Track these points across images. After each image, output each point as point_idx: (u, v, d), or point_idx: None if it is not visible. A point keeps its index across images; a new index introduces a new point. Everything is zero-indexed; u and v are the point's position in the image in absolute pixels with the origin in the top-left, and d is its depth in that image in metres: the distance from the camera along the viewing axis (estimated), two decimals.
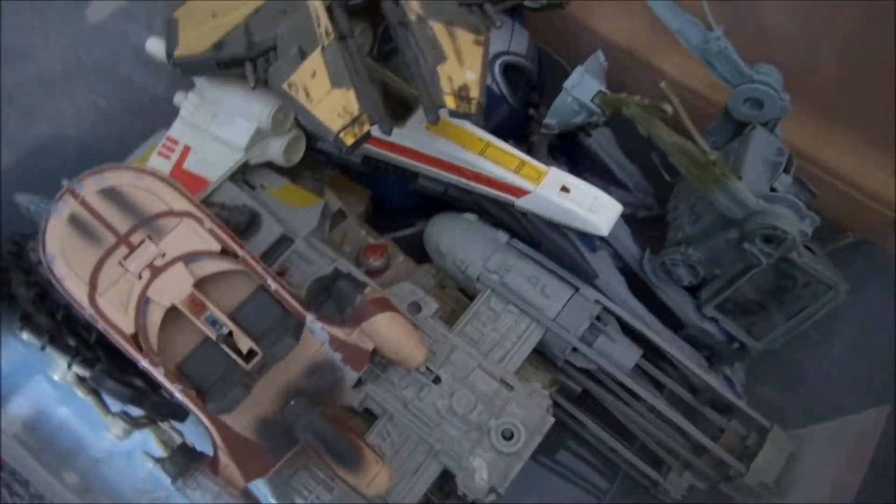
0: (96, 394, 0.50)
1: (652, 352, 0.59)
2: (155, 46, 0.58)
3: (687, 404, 0.60)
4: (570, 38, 0.74)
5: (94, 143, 0.73)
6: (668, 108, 0.51)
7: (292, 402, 0.45)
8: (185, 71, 0.55)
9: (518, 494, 0.67)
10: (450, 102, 0.44)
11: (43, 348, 0.49)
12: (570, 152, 0.69)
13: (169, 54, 0.55)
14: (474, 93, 0.45)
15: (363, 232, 0.66)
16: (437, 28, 0.49)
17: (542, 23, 0.73)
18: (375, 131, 0.45)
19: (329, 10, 0.52)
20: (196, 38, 0.54)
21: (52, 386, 0.52)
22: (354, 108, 0.42)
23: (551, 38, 0.73)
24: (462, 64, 0.46)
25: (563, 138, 0.68)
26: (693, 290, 0.63)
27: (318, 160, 0.65)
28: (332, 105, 0.44)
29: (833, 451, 0.49)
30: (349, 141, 0.41)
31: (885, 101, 0.61)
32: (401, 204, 0.70)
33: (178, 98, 0.61)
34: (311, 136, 0.61)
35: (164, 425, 0.56)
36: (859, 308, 0.62)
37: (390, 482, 0.46)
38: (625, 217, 0.68)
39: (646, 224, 0.69)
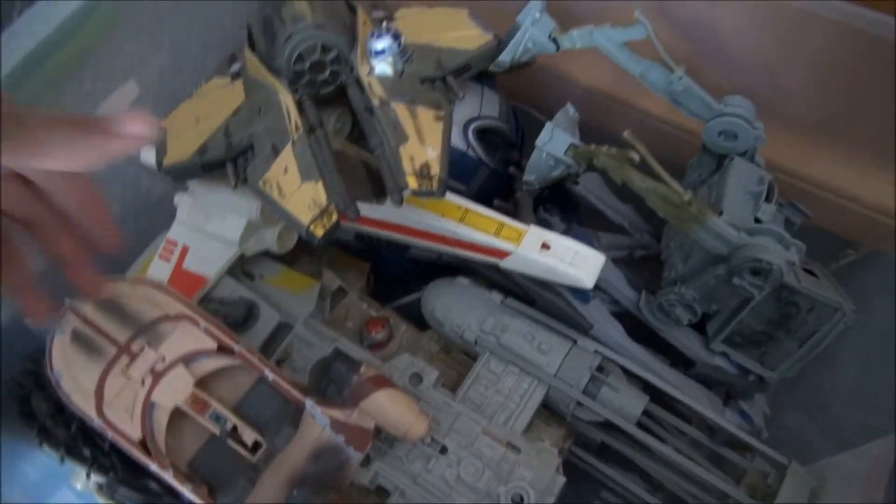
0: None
1: (665, 396, 0.59)
2: (148, 157, 0.62)
3: (708, 446, 0.59)
4: (548, 90, 0.76)
5: None
6: (635, 157, 0.51)
7: (294, 493, 0.46)
8: (175, 177, 0.58)
9: None
10: (412, 182, 0.46)
11: (62, 460, 0.51)
12: (563, 201, 0.70)
13: (159, 164, 0.58)
14: (435, 169, 0.47)
15: (365, 305, 0.67)
16: (399, 109, 0.51)
17: (518, 79, 0.75)
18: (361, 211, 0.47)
19: (299, 103, 0.54)
20: (182, 145, 0.57)
21: (76, 495, 0.54)
22: (322, 199, 0.43)
23: (529, 92, 0.75)
24: (423, 142, 0.48)
25: (552, 189, 0.70)
26: (700, 327, 0.63)
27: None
28: (303, 198, 0.46)
29: (852, 483, 0.47)
30: (319, 232, 0.42)
31: (863, 113, 0.61)
32: (400, 273, 0.71)
33: (177, 199, 0.64)
34: None
35: None
36: (872, 323, 0.60)
37: None
38: (622, 258, 0.69)
39: (644, 263, 0.70)
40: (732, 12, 0.60)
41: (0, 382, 0.58)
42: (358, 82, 0.56)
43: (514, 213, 0.60)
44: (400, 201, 0.46)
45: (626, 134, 0.52)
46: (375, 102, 0.52)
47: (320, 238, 0.43)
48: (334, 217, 0.43)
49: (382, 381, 0.51)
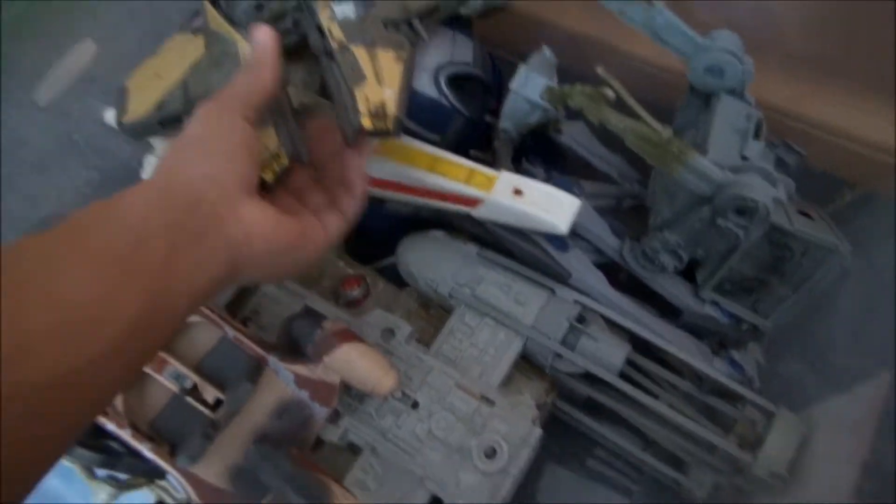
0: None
1: (654, 348, 0.56)
2: (111, 117, 0.60)
3: (699, 398, 0.56)
4: (529, 36, 0.72)
5: None
6: (610, 94, 0.48)
7: (252, 447, 0.44)
8: (135, 136, 0.56)
9: (546, 497, 0.65)
10: (366, 122, 0.44)
11: None
12: (547, 152, 0.67)
13: (119, 122, 0.56)
14: (391, 109, 0.44)
15: (342, 264, 0.65)
16: (359, 52, 0.48)
17: (498, 26, 0.71)
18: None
19: None
20: (141, 102, 0.55)
21: None
22: (273, 143, 0.41)
23: (509, 39, 0.72)
24: (381, 83, 0.46)
25: (536, 139, 0.67)
26: (690, 276, 0.60)
27: None
28: None
29: (843, 427, 0.45)
30: (269, 177, 0.40)
31: (864, 47, 0.57)
32: (380, 231, 0.69)
33: (145, 162, 0.62)
34: None
35: (164, 483, 0.56)
36: (870, 265, 0.57)
37: None
38: (609, 208, 0.66)
39: (635, 213, 0.67)
40: None
41: None
42: (318, 28, 0.54)
43: (492, 164, 0.57)
44: (354, 142, 0.44)
45: (599, 70, 0.49)
46: (334, 46, 0.50)
47: (271, 182, 0.40)
48: (283, 160, 0.41)
49: (347, 336, 0.49)
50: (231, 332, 0.48)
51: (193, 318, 0.48)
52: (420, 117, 0.60)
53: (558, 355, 0.53)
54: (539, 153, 0.67)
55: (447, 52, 0.59)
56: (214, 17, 0.57)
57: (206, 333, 0.50)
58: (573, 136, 0.66)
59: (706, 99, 0.58)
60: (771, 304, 0.58)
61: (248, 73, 0.39)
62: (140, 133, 0.56)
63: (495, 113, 0.64)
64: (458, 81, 0.61)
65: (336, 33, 0.51)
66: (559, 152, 0.67)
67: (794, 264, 0.55)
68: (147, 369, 0.47)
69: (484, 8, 0.59)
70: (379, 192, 0.56)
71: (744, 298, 0.58)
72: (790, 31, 0.60)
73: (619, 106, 0.52)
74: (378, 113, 0.44)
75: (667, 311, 0.61)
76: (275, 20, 0.54)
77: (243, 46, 0.53)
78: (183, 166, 0.35)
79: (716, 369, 0.54)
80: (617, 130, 0.51)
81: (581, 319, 0.54)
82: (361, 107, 0.44)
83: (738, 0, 0.59)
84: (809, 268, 0.54)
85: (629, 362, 0.55)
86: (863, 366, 0.55)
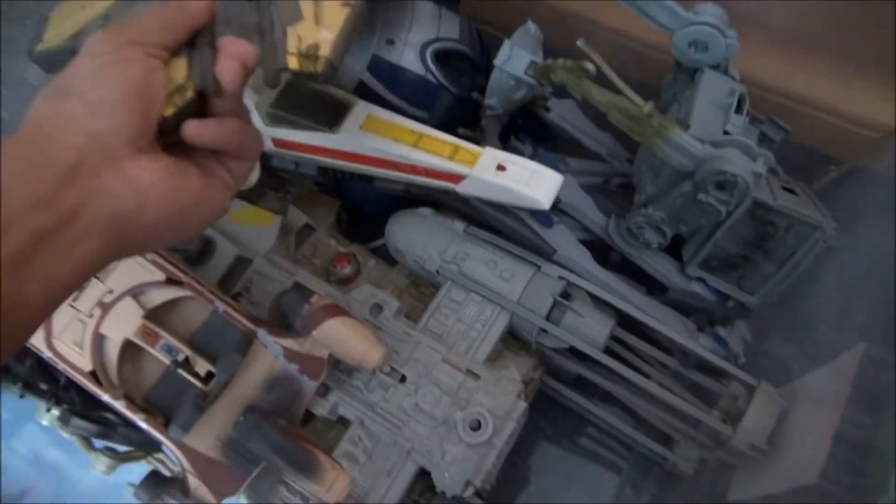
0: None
1: (640, 325, 0.57)
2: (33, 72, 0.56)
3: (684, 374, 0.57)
4: (518, 13, 0.72)
5: None
6: (591, 67, 0.49)
7: (241, 418, 0.46)
8: (46, 68, 0.51)
9: (538, 475, 0.67)
10: (292, 62, 0.39)
11: (21, 396, 0.52)
12: (537, 129, 0.68)
13: (30, 51, 0.51)
14: (325, 51, 0.40)
15: (333, 242, 0.66)
16: None
17: (486, 2, 0.72)
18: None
19: None
20: (58, 32, 0.50)
21: (42, 430, 0.54)
22: (181, 75, 0.35)
23: (496, 17, 0.72)
24: (320, 24, 0.41)
25: (526, 118, 0.67)
26: (676, 253, 0.60)
27: (282, 177, 0.66)
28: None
29: (821, 400, 0.45)
30: (169, 111, 0.34)
31: (850, 22, 0.57)
32: (371, 209, 0.70)
33: None
34: (266, 157, 0.62)
35: (160, 455, 0.58)
36: (855, 241, 0.57)
37: (349, 486, 0.45)
38: (598, 186, 0.66)
39: (624, 191, 0.67)
40: None
41: None
42: None
43: (479, 142, 0.58)
44: (274, 83, 0.40)
45: (579, 43, 0.50)
46: None
47: (169, 118, 0.33)
48: (188, 94, 0.34)
49: (336, 310, 0.50)
50: (222, 307, 0.49)
51: (185, 293, 0.49)
52: (407, 94, 0.60)
53: (543, 330, 0.54)
54: (528, 131, 0.67)
55: (434, 28, 0.59)
56: None
57: (197, 308, 0.51)
58: (562, 114, 0.66)
59: (691, 74, 0.58)
60: (756, 281, 0.58)
61: (170, 4, 0.33)
62: (53, 65, 0.51)
63: (483, 90, 0.64)
64: (445, 58, 0.61)
65: None
66: (548, 130, 0.68)
67: (779, 241, 0.55)
68: (140, 342, 0.48)
69: None
70: (366, 168, 0.56)
71: (730, 275, 0.59)
72: (776, 5, 0.59)
73: (602, 81, 0.52)
74: (309, 53, 0.40)
75: (654, 288, 0.61)
76: None
77: None
78: (58, 119, 0.28)
79: (701, 345, 0.55)
80: (599, 105, 0.51)
81: (566, 295, 0.55)
82: (291, 45, 0.40)
83: None
84: (793, 244, 0.55)
85: (615, 339, 0.55)
86: (846, 341, 0.56)
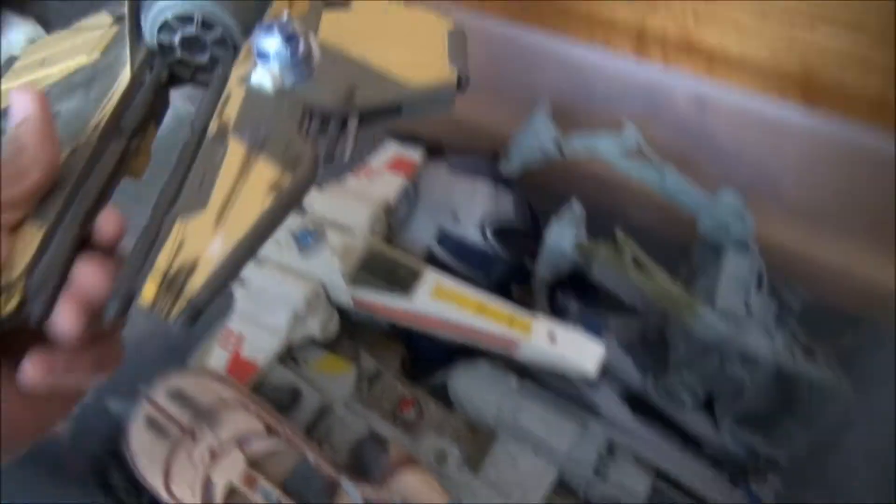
0: None
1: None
2: None
3: None
4: (565, 181, 0.83)
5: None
6: (629, 256, 0.58)
7: None
8: None
9: None
10: (147, 291, 0.27)
11: None
12: (581, 284, 0.76)
13: None
14: (195, 283, 0.27)
15: (399, 385, 0.74)
16: (234, 149, 0.32)
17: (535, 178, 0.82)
18: None
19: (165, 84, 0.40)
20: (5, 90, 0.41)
21: None
22: (15, 271, 0.27)
23: (547, 182, 0.82)
24: (219, 223, 0.29)
25: (571, 275, 0.76)
26: (710, 406, 0.67)
27: (357, 323, 0.76)
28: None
29: None
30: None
31: (856, 201, 0.66)
32: (434, 353, 0.78)
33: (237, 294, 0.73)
34: (345, 310, 0.72)
35: None
36: (879, 400, 0.63)
37: None
38: (634, 339, 0.74)
39: (658, 338, 0.74)
40: (718, 116, 0.66)
41: (82, 458, 0.67)
42: (219, 85, 0.37)
43: (529, 302, 0.66)
44: (108, 320, 0.28)
45: (617, 233, 0.59)
46: (212, 130, 0.33)
47: (3, 318, 0.26)
48: (13, 302, 0.27)
49: (409, 462, 0.57)
50: (311, 455, 0.57)
51: (277, 442, 0.57)
52: (469, 261, 0.70)
53: (590, 483, 0.60)
54: (573, 287, 0.76)
55: (492, 205, 0.70)
56: (129, 21, 0.41)
57: (288, 455, 0.59)
58: (603, 273, 0.75)
59: (715, 248, 0.67)
60: (785, 438, 0.64)
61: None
62: None
63: (533, 254, 0.74)
64: (502, 231, 0.71)
65: (228, 110, 0.35)
66: (591, 284, 0.76)
67: (802, 401, 0.61)
68: (241, 487, 0.56)
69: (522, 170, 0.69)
70: (433, 329, 0.65)
71: (760, 431, 0.65)
72: (787, 186, 0.69)
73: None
74: (173, 282, 0.28)
75: (689, 438, 0.67)
76: (188, 49, 0.39)
77: (125, 76, 0.39)
78: None
79: (732, 501, 0.60)
80: (638, 284, 0.60)
81: (611, 449, 0.61)
82: (162, 259, 0.28)
83: (740, 161, 0.68)
84: (817, 404, 0.61)
85: (654, 488, 0.61)
86: (879, 496, 0.60)
